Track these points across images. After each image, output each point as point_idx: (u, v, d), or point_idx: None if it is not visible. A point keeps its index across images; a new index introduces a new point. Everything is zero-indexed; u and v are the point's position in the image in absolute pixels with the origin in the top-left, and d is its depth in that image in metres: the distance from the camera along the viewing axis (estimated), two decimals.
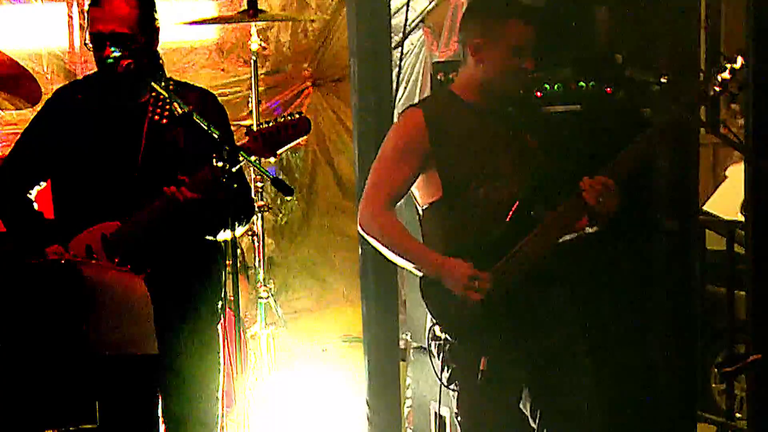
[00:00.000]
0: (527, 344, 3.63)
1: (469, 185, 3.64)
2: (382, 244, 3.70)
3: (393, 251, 3.68)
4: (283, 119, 3.63)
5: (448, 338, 3.60)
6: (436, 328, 3.63)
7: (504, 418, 3.67)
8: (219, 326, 3.93)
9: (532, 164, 3.67)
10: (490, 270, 3.54)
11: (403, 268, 3.78)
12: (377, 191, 3.71)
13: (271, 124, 3.63)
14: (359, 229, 3.76)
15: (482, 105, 3.70)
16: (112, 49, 3.65)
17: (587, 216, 3.58)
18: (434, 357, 3.70)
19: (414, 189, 3.75)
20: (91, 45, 3.72)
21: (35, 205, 3.85)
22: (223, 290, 3.90)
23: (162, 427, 3.92)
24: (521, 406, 3.71)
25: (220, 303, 3.91)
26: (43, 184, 3.86)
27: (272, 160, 3.80)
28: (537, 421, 3.69)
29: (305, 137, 3.71)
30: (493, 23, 3.64)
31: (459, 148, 3.66)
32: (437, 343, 3.68)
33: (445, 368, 3.68)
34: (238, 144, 3.59)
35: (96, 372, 3.16)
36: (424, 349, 4.79)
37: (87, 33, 3.74)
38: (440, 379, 3.69)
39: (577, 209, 3.57)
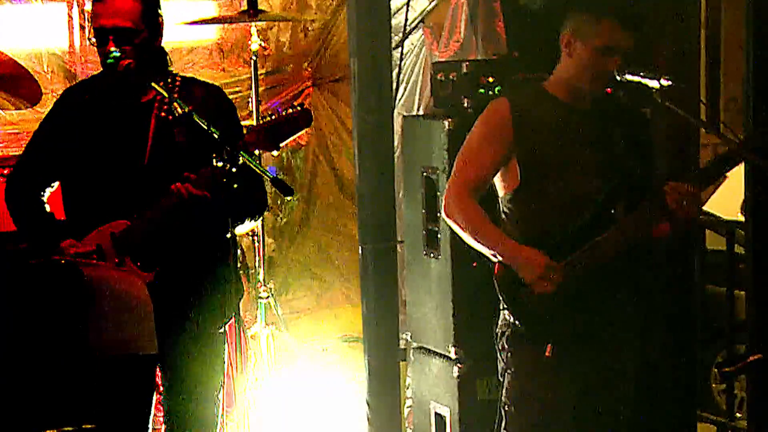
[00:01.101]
0: (591, 338, 3.69)
1: (548, 176, 3.69)
2: (462, 229, 3.76)
3: (472, 236, 3.74)
4: (284, 112, 3.64)
5: (518, 323, 3.66)
6: (506, 313, 3.70)
7: (555, 407, 3.70)
8: (226, 328, 3.93)
9: (616, 163, 3.70)
10: (562, 261, 3.60)
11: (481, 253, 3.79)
12: (460, 178, 3.77)
13: (272, 116, 3.64)
14: (443, 215, 3.82)
15: (570, 101, 3.74)
16: (112, 50, 3.64)
17: (668, 220, 3.63)
18: (498, 349, 3.78)
19: (496, 177, 3.79)
20: (94, 41, 3.71)
21: (47, 207, 3.85)
22: (230, 292, 3.90)
23: (162, 428, 3.93)
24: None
25: (226, 305, 3.90)
26: (55, 185, 3.86)
27: (275, 153, 3.78)
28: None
29: (308, 129, 3.71)
30: (586, 20, 3.66)
31: (541, 139, 3.71)
32: (504, 330, 3.76)
33: (505, 357, 3.74)
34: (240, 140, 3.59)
35: (95, 372, 3.17)
36: (424, 349, 4.82)
37: (91, 29, 3.74)
38: (502, 367, 3.76)
39: (656, 212, 3.62)
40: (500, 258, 3.68)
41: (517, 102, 3.77)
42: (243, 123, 5.65)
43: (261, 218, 3.95)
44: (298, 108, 3.65)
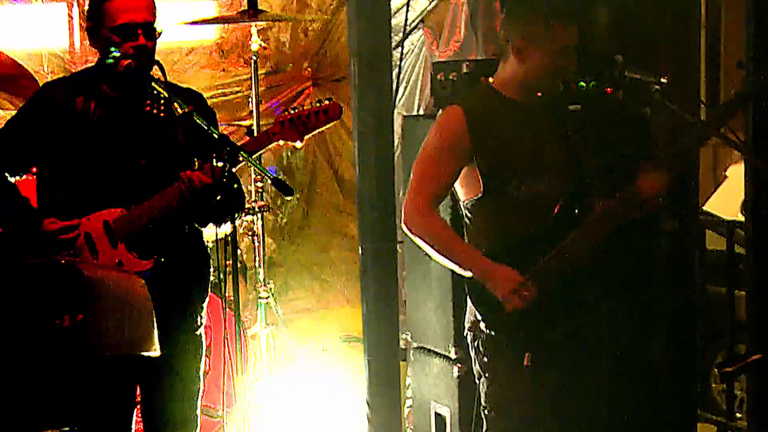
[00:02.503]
0: (567, 343, 3.67)
1: (510, 182, 3.66)
2: (428, 245, 3.72)
3: (439, 252, 3.70)
4: (311, 106, 3.66)
5: (492, 333, 3.63)
6: (482, 324, 3.66)
7: (537, 414, 3.69)
8: (203, 329, 3.93)
9: (578, 161, 3.68)
10: (530, 268, 3.57)
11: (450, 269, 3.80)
12: (420, 190, 3.73)
13: (298, 110, 3.66)
14: (404, 228, 3.78)
15: (524, 100, 3.70)
16: (112, 50, 3.64)
17: (639, 208, 3.61)
18: (471, 349, 3.75)
19: (455, 185, 3.76)
20: (115, 36, 3.65)
21: (18, 189, 3.80)
22: (206, 291, 3.93)
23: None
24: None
25: (205, 305, 3.93)
26: (24, 175, 3.83)
27: (299, 144, 3.77)
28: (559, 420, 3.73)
29: (335, 122, 3.71)
30: (535, 25, 3.63)
31: (500, 145, 3.67)
32: (477, 336, 3.73)
33: (479, 361, 3.72)
34: (238, 144, 3.60)
35: (85, 372, 3.17)
36: (424, 349, 4.82)
37: (106, 26, 3.66)
38: (475, 372, 3.74)
39: (629, 203, 3.59)
40: (471, 274, 3.65)
41: (471, 107, 3.72)
42: (243, 123, 5.70)
43: (238, 221, 3.97)
44: (327, 101, 3.67)
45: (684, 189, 4.64)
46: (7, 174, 3.81)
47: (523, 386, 3.63)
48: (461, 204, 3.79)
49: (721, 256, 5.52)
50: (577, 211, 3.62)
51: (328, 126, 3.70)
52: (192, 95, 3.90)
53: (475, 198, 3.71)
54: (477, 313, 3.67)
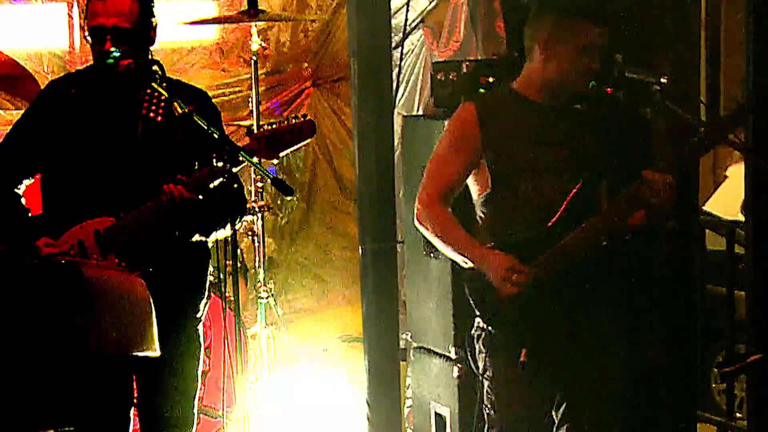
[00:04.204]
0: (564, 341, 3.67)
1: (519, 180, 3.67)
2: (433, 236, 3.76)
3: (442, 243, 3.74)
4: (286, 122, 3.62)
5: (489, 329, 3.66)
6: (480, 320, 3.70)
7: (535, 411, 3.70)
8: (201, 327, 3.93)
9: (590, 161, 3.68)
10: (534, 262, 3.58)
11: (453, 260, 3.81)
12: (430, 185, 3.77)
13: (274, 125, 3.62)
14: (415, 221, 3.81)
15: (544, 102, 3.71)
16: (113, 49, 3.63)
17: (645, 211, 3.60)
18: (474, 348, 3.77)
19: (468, 181, 3.78)
20: (90, 39, 3.69)
21: (23, 201, 3.81)
22: (208, 292, 3.92)
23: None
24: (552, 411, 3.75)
25: (203, 304, 3.92)
26: (32, 179, 3.83)
27: (275, 161, 3.78)
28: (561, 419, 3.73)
29: (309, 140, 3.70)
30: (563, 22, 3.65)
31: (510, 143, 3.69)
32: (477, 334, 3.75)
33: (481, 359, 3.73)
34: (238, 144, 3.59)
35: (84, 371, 3.17)
36: (424, 349, 4.82)
37: (86, 26, 3.71)
38: (476, 370, 3.75)
39: (633, 203, 3.59)
40: (469, 263, 3.67)
41: (484, 106, 3.75)
42: (242, 123, 5.70)
43: (239, 224, 3.93)
44: (302, 118, 3.64)
45: (684, 189, 4.64)
46: (19, 178, 3.80)
47: (520, 383, 3.64)
48: (474, 202, 3.81)
49: (721, 256, 5.51)
50: (583, 210, 3.62)
51: (301, 144, 3.67)
52: (197, 93, 3.89)
53: (485, 194, 3.74)
54: (475, 309, 3.68)
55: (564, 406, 3.72)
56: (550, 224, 3.63)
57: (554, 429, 3.74)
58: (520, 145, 3.68)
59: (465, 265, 3.70)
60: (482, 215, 3.78)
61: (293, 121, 3.63)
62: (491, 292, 3.61)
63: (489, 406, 3.75)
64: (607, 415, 3.74)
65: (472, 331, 3.79)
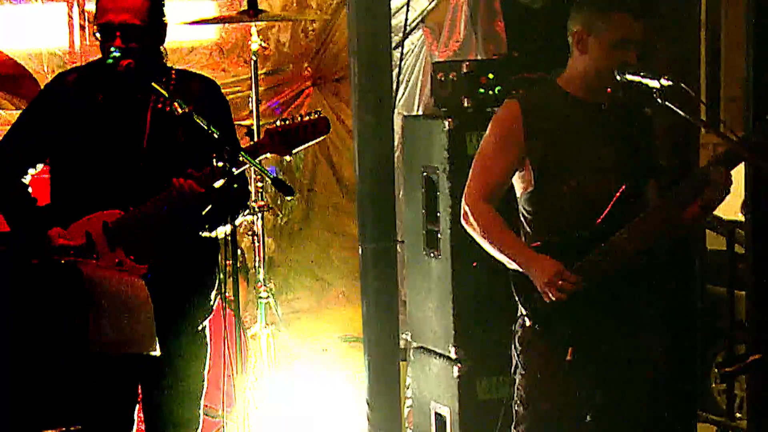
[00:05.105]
0: (607, 340, 3.67)
1: (562, 177, 3.66)
2: (479, 236, 3.74)
3: (488, 243, 3.73)
4: (300, 118, 3.62)
5: (537, 327, 3.65)
6: (525, 318, 3.69)
7: (572, 411, 3.70)
8: (207, 327, 3.92)
9: (633, 158, 3.68)
10: (577, 263, 3.57)
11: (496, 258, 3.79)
12: (475, 184, 3.76)
13: (288, 122, 3.62)
14: (462, 221, 3.79)
15: (585, 97, 3.70)
16: (112, 49, 3.63)
17: (700, 205, 3.59)
18: (512, 345, 3.77)
19: (514, 179, 3.77)
20: (98, 36, 3.67)
21: (29, 189, 3.81)
22: (218, 289, 3.90)
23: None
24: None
25: (212, 303, 3.90)
26: (39, 167, 3.82)
27: (288, 158, 3.76)
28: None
29: (324, 137, 3.70)
30: (596, 15, 3.64)
31: (553, 139, 3.68)
32: (519, 329, 3.74)
33: (520, 354, 3.73)
34: (254, 141, 3.58)
35: (86, 371, 3.17)
36: (424, 349, 4.82)
37: (95, 24, 3.69)
38: (513, 367, 3.75)
39: (688, 198, 3.58)
40: (515, 265, 3.67)
41: (528, 103, 3.74)
42: (243, 123, 5.69)
43: (242, 218, 3.92)
44: (316, 115, 3.65)
45: None
46: (25, 167, 3.79)
47: (560, 381, 3.64)
48: (518, 200, 3.80)
49: (721, 256, 5.52)
50: (629, 208, 3.61)
51: (316, 141, 3.68)
52: (205, 82, 3.89)
53: (528, 192, 3.73)
54: (521, 306, 3.68)
55: (599, 404, 3.72)
56: (597, 222, 3.62)
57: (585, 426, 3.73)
58: (563, 142, 3.68)
59: (510, 267, 3.69)
60: (525, 212, 3.77)
61: (307, 117, 3.63)
62: (538, 293, 3.61)
63: (519, 402, 3.75)
64: (639, 415, 3.74)
65: (516, 328, 3.77)
